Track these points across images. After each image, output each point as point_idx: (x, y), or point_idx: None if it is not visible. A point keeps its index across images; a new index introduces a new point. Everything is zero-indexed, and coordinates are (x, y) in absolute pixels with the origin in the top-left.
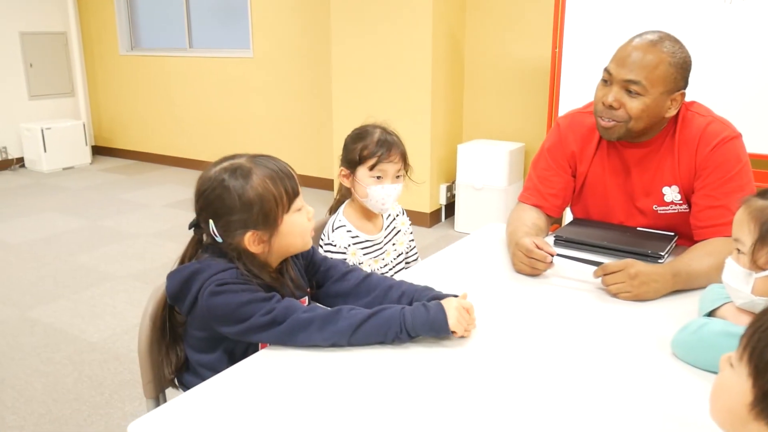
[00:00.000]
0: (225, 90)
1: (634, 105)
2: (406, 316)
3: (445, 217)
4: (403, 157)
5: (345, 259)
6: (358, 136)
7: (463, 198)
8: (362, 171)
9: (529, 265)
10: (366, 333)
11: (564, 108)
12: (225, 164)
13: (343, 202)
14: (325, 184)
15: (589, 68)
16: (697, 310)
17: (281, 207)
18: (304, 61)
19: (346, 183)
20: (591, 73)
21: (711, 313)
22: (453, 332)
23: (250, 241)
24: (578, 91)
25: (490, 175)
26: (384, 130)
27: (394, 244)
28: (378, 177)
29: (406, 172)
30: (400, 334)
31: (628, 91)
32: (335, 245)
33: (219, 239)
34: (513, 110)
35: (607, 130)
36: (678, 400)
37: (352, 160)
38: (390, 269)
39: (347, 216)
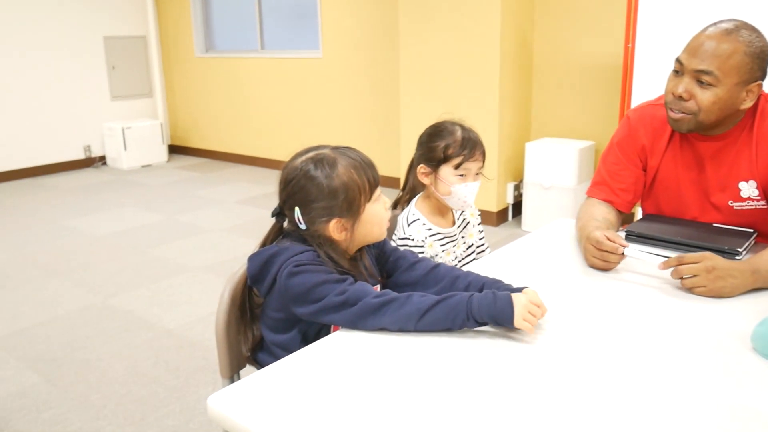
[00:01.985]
0: (295, 90)
1: (705, 96)
2: (473, 303)
3: (512, 216)
4: (484, 155)
5: (422, 252)
6: (439, 133)
7: (531, 197)
8: (446, 169)
9: (601, 258)
10: (433, 318)
11: (637, 104)
12: (310, 154)
13: (411, 197)
14: (392, 182)
15: (664, 64)
16: None
17: (364, 195)
18: (371, 61)
19: (426, 180)
20: (665, 69)
21: None
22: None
23: (334, 228)
24: (652, 88)
25: (559, 173)
26: (463, 127)
27: (463, 237)
28: (461, 175)
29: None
30: (467, 321)
31: (700, 82)
32: (413, 239)
33: (303, 226)
34: (583, 108)
35: (677, 122)
36: (760, 395)
37: (434, 158)
38: (459, 261)
39: (420, 210)
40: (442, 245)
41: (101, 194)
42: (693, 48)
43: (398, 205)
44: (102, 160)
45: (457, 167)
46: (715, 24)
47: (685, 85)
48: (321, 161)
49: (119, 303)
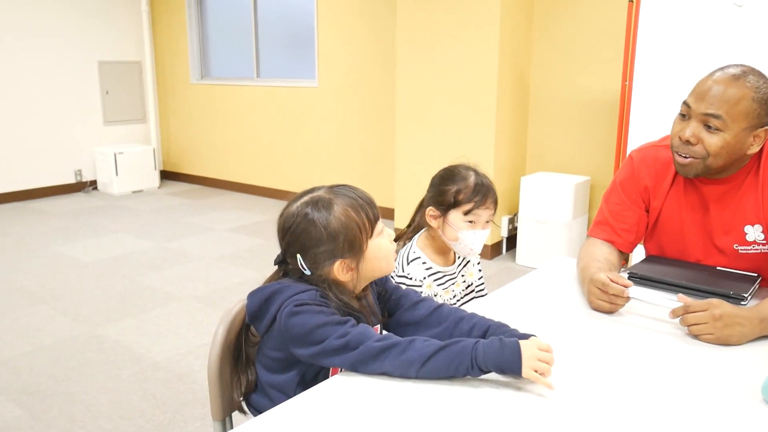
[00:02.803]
0: (290, 119)
1: (713, 141)
2: (478, 351)
3: (507, 250)
4: (496, 203)
5: (420, 292)
6: (451, 177)
7: (526, 231)
8: (455, 215)
9: (607, 301)
10: (436, 366)
11: (633, 141)
12: (305, 198)
13: (415, 233)
14: (386, 213)
15: (661, 101)
16: None
17: (365, 233)
18: (368, 91)
19: (434, 223)
20: (662, 106)
21: None
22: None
23: (339, 270)
24: (649, 125)
25: (554, 208)
26: (477, 172)
27: (463, 275)
28: (470, 221)
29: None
30: (471, 369)
31: (707, 126)
32: (411, 278)
33: (308, 272)
34: (579, 143)
35: (684, 167)
36: None
37: (444, 201)
38: (458, 300)
39: (421, 248)
40: (441, 284)
41: (91, 219)
42: (701, 92)
43: (400, 239)
44: (93, 184)
45: (466, 213)
46: (722, 69)
47: (693, 129)
48: (317, 204)
49: (106, 333)
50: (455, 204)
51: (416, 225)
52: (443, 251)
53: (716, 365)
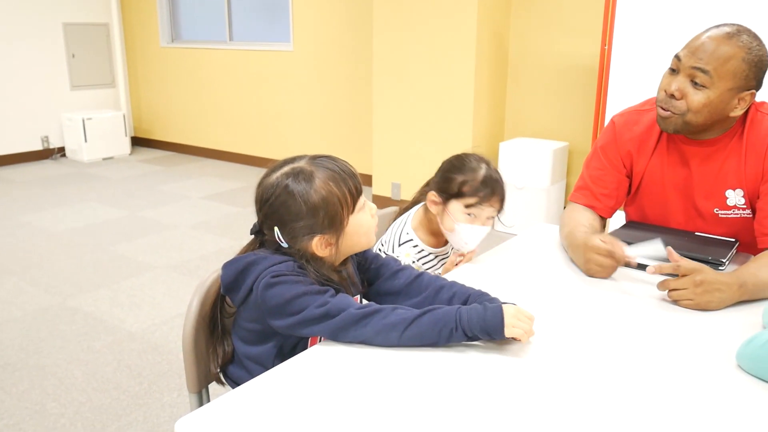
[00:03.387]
0: (264, 84)
1: (697, 98)
2: (462, 314)
3: None
4: (503, 201)
5: (398, 256)
6: (461, 166)
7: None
8: (456, 206)
9: (609, 267)
10: (419, 330)
11: (612, 107)
12: (286, 169)
13: (412, 204)
14: (364, 179)
15: (640, 66)
16: (762, 321)
17: (346, 208)
18: (344, 56)
19: (433, 209)
20: (642, 72)
21: None
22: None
23: (318, 245)
24: (628, 90)
25: (533, 174)
26: (489, 165)
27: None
28: (470, 215)
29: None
30: (455, 332)
31: (694, 83)
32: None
33: (285, 245)
34: (557, 108)
35: (665, 121)
36: (744, 414)
37: (448, 190)
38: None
39: (415, 229)
40: (432, 265)
41: (60, 188)
42: (693, 47)
43: (401, 212)
44: (61, 151)
45: (468, 206)
46: (717, 26)
47: (679, 83)
48: (297, 176)
49: (78, 304)
50: (459, 195)
51: (415, 201)
52: (437, 233)
53: (694, 331)
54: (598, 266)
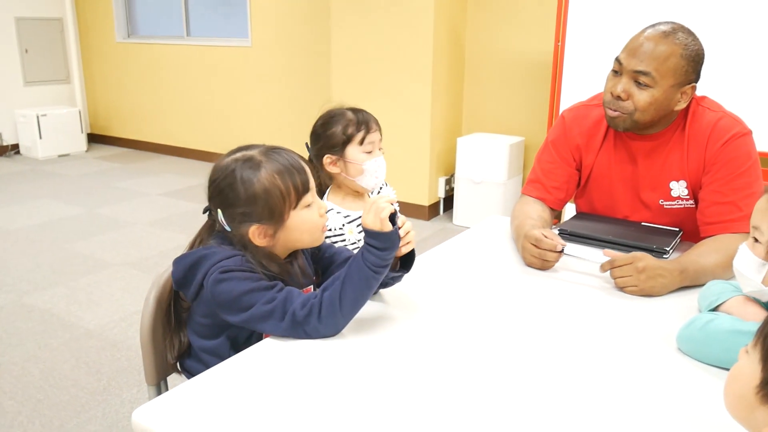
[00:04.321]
0: (222, 79)
1: (642, 97)
2: (365, 255)
3: (444, 211)
4: (380, 127)
5: (343, 241)
6: (331, 120)
7: (462, 191)
8: (352, 149)
9: (540, 257)
10: (350, 297)
11: (566, 102)
12: (238, 155)
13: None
14: None
15: (592, 62)
16: (698, 306)
17: (288, 203)
18: (303, 52)
19: (334, 169)
20: (594, 67)
21: (716, 308)
22: (395, 225)
23: (255, 234)
24: (581, 85)
25: (490, 169)
26: (352, 108)
27: None
28: (368, 152)
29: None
30: (375, 274)
31: (638, 83)
32: (330, 229)
33: (227, 228)
34: (513, 104)
35: (614, 120)
36: (683, 395)
37: (336, 143)
38: None
39: (333, 201)
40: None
41: (14, 185)
42: (632, 49)
43: None
44: (15, 149)
45: (361, 143)
46: (653, 26)
47: (624, 85)
48: (245, 163)
49: (34, 302)
50: (348, 140)
51: (321, 182)
52: (356, 197)
53: (637, 317)
54: (532, 257)
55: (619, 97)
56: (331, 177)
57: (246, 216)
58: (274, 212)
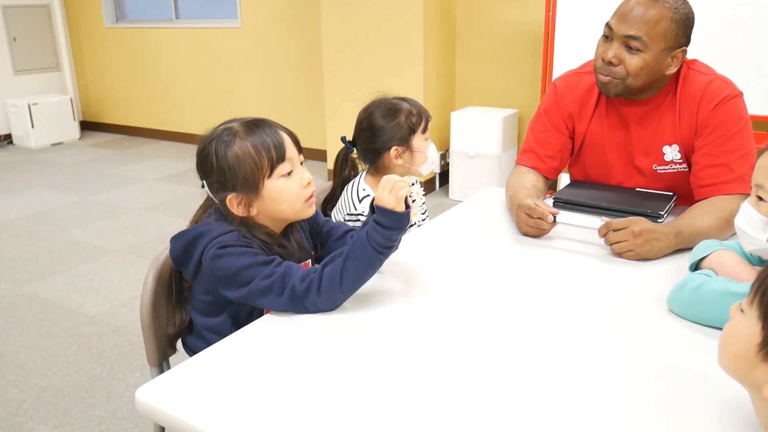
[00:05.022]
0: (213, 61)
1: (634, 62)
2: (370, 234)
3: (440, 185)
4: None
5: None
6: (393, 111)
7: (457, 166)
8: (418, 138)
9: (534, 226)
10: (351, 275)
11: (558, 72)
12: (221, 126)
13: (343, 185)
14: (318, 154)
15: (584, 32)
16: (689, 264)
17: (260, 171)
18: (293, 31)
19: (399, 161)
20: (585, 37)
21: (698, 263)
22: (406, 206)
23: (232, 203)
24: (572, 56)
25: (484, 142)
26: (400, 98)
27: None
28: (427, 139)
29: None
30: (379, 255)
31: (629, 48)
32: (366, 215)
33: (214, 199)
34: (506, 76)
35: (605, 86)
36: (676, 355)
37: (404, 134)
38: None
39: (370, 185)
40: None
41: (8, 175)
42: (622, 14)
43: (330, 200)
44: (7, 139)
45: (424, 131)
46: None
47: (615, 50)
48: (222, 133)
49: (34, 291)
50: (413, 130)
51: (344, 179)
52: None
53: (632, 281)
54: (527, 225)
55: (610, 63)
56: (382, 167)
57: (222, 184)
58: (247, 180)
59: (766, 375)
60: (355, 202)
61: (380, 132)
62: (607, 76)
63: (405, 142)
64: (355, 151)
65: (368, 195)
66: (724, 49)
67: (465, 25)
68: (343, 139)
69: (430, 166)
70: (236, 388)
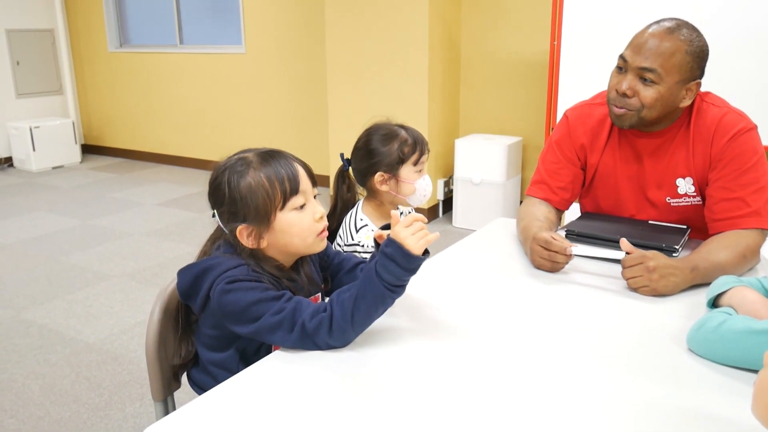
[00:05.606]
0: (217, 87)
1: (648, 93)
2: (381, 274)
3: (443, 213)
4: (427, 145)
5: (362, 247)
6: (389, 137)
7: (461, 193)
8: (407, 168)
9: (549, 259)
10: (362, 314)
11: (563, 101)
12: (236, 156)
13: (343, 211)
14: (321, 180)
15: (589, 61)
16: (706, 301)
17: (273, 203)
18: (297, 57)
19: (384, 188)
20: (590, 66)
21: (716, 299)
22: (423, 254)
23: (242, 234)
24: (578, 84)
25: (488, 169)
26: (402, 126)
27: None
28: (419, 171)
29: None
30: (390, 293)
31: (643, 79)
32: (362, 245)
33: (225, 229)
34: (510, 104)
35: (620, 118)
36: (696, 395)
37: (392, 162)
38: None
39: (368, 215)
40: None
41: (8, 198)
42: (637, 45)
43: (330, 219)
44: (8, 161)
45: (416, 163)
46: (657, 22)
47: (629, 82)
48: (236, 163)
49: (32, 317)
50: (403, 160)
51: (344, 201)
52: (385, 214)
53: (648, 317)
54: (541, 258)
55: (624, 94)
56: (371, 191)
57: (233, 215)
58: (259, 212)
59: None
60: (353, 232)
61: (371, 154)
62: (621, 108)
63: (392, 169)
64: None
65: (365, 225)
66: (738, 82)
67: (469, 52)
68: (341, 155)
69: (422, 198)
70: (246, 429)
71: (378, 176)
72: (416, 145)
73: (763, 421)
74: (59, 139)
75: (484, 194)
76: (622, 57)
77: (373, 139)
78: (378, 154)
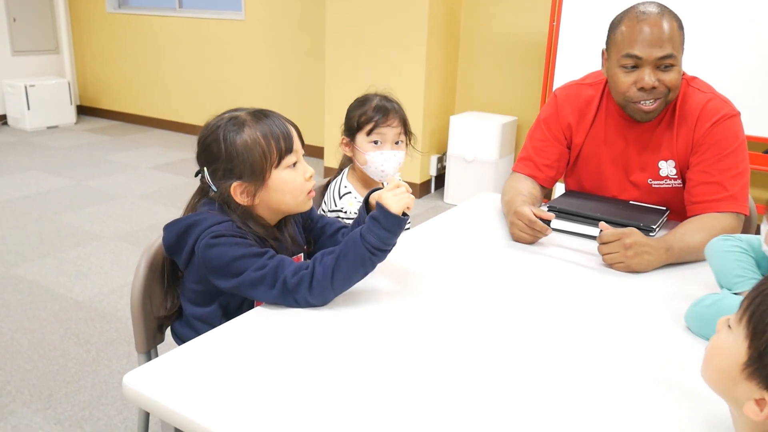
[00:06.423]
0: (215, 53)
1: (672, 77)
2: (365, 236)
3: (435, 189)
4: (404, 123)
5: (345, 213)
6: (359, 103)
7: (454, 170)
8: (361, 137)
9: (528, 232)
10: (343, 274)
11: (559, 82)
12: (227, 114)
13: (341, 169)
14: (316, 151)
15: (587, 43)
16: (715, 277)
17: (269, 161)
18: (297, 27)
19: (347, 152)
20: (588, 48)
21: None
22: (404, 214)
23: (236, 191)
24: (574, 65)
25: (482, 147)
26: (384, 97)
27: None
28: (376, 142)
29: (409, 140)
30: (373, 257)
31: (662, 66)
32: (345, 211)
33: (213, 187)
34: (507, 83)
35: (650, 113)
36: (691, 373)
37: (351, 126)
38: None
39: (351, 182)
40: None
41: (2, 157)
42: (645, 40)
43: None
44: (2, 119)
45: (369, 133)
46: (643, 12)
47: (651, 75)
48: (229, 121)
49: (23, 273)
50: (359, 127)
51: (341, 162)
52: (369, 184)
53: (620, 293)
54: (520, 231)
55: (653, 88)
56: (349, 160)
57: (227, 172)
58: (254, 169)
59: (748, 393)
60: (336, 198)
61: (346, 116)
62: (653, 101)
63: (351, 135)
64: None
65: (349, 192)
66: (724, 70)
67: (469, 29)
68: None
69: (378, 174)
70: (224, 378)
71: (342, 139)
72: (374, 115)
73: (710, 383)
74: (54, 99)
75: (476, 171)
76: (631, 56)
77: (352, 103)
78: (346, 117)
